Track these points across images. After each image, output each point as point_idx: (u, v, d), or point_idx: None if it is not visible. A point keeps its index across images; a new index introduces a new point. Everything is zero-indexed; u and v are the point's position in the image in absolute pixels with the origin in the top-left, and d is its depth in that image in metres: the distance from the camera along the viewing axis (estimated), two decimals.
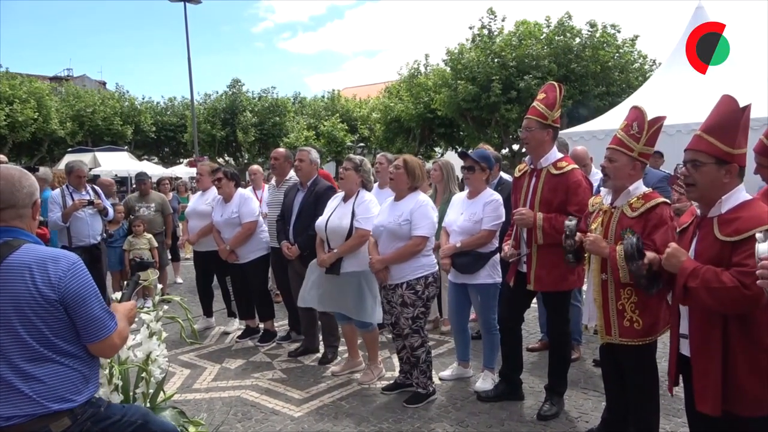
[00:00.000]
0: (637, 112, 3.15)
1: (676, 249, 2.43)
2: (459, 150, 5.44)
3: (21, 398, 2.01)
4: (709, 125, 2.41)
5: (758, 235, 2.01)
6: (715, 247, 2.31)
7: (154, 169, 20.91)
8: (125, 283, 2.88)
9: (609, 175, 3.16)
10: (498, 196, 4.32)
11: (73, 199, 6.17)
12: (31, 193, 2.17)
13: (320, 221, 4.66)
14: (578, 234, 3.26)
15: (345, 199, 4.66)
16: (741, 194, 2.36)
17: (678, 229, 2.65)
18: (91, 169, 17.90)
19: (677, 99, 9.91)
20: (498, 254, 4.27)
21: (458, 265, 4.22)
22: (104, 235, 6.57)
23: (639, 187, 3.13)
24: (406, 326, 4.16)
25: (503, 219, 4.27)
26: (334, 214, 4.60)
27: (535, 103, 3.85)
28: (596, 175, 4.95)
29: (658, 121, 3.12)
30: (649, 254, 2.71)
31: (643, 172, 3.19)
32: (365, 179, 4.65)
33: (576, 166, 3.84)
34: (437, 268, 4.22)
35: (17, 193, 2.12)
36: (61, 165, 19.72)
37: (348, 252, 4.46)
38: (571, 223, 3.26)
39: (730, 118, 2.38)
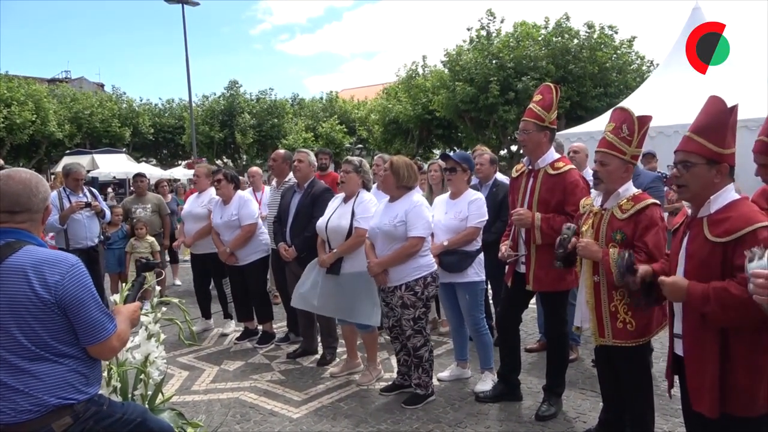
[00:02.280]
0: (624, 114, 3.13)
1: (674, 280, 2.39)
2: (441, 152, 5.50)
3: (17, 395, 2.02)
4: (698, 126, 2.42)
5: (747, 253, 2.02)
6: (705, 248, 2.31)
7: (152, 171, 20.90)
8: (124, 285, 2.88)
9: (602, 179, 3.12)
10: (480, 195, 4.45)
11: (70, 202, 6.17)
12: (45, 198, 2.23)
13: (321, 222, 4.67)
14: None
15: (345, 200, 4.67)
16: (729, 194, 2.35)
17: (671, 230, 2.66)
18: (89, 171, 17.94)
19: (675, 100, 9.93)
20: (482, 252, 4.35)
21: (446, 264, 4.26)
22: (102, 237, 6.57)
23: (629, 189, 3.12)
24: (408, 327, 4.16)
25: (486, 217, 4.36)
26: (335, 215, 4.61)
27: (531, 105, 3.86)
28: (590, 174, 4.94)
29: (647, 121, 3.11)
30: (642, 268, 2.69)
31: (632, 173, 3.19)
32: (365, 180, 4.69)
33: (573, 166, 3.85)
34: (435, 267, 4.24)
35: (33, 198, 2.17)
36: (59, 167, 19.73)
37: (348, 252, 4.47)
38: (568, 231, 3.22)
39: (718, 119, 2.38)
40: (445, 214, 4.39)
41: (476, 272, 4.34)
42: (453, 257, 4.26)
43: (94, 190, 6.73)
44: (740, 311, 2.15)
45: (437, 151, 27.01)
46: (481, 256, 4.38)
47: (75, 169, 6.45)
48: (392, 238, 4.12)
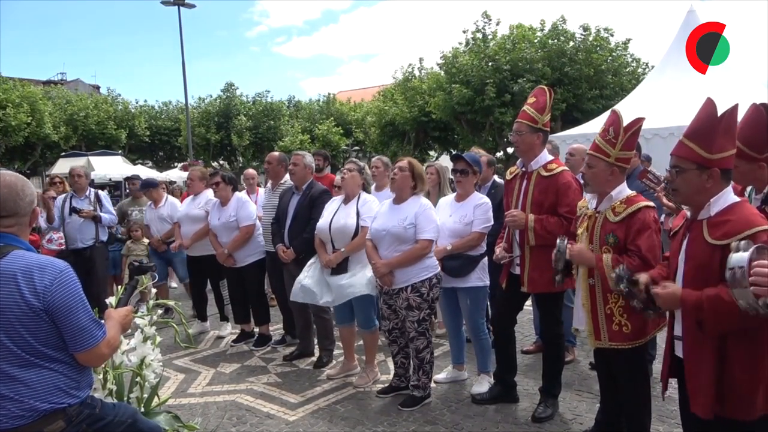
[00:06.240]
0: (613, 117, 3.15)
1: (667, 292, 2.37)
2: (453, 152, 5.48)
3: (7, 402, 2.01)
4: (689, 131, 2.42)
5: (733, 245, 2.02)
6: (705, 251, 2.31)
7: (148, 173, 20.82)
8: (119, 288, 2.88)
9: (587, 181, 3.14)
10: (487, 199, 4.38)
11: (71, 204, 6.40)
12: (31, 201, 2.21)
13: (323, 223, 4.66)
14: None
15: (346, 201, 4.68)
16: (729, 196, 2.35)
17: (671, 232, 2.66)
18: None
19: (670, 102, 9.98)
20: (486, 257, 4.31)
21: (449, 268, 4.23)
22: (100, 239, 6.55)
23: (622, 192, 3.12)
24: (413, 330, 4.14)
25: (492, 222, 4.32)
26: (338, 215, 4.61)
27: (525, 107, 3.88)
28: None
29: (635, 124, 3.10)
30: (642, 277, 2.60)
31: (623, 176, 3.16)
32: (366, 182, 4.72)
33: (566, 168, 3.87)
34: (439, 269, 4.23)
35: (20, 201, 2.15)
36: (55, 169, 19.64)
37: (356, 250, 4.50)
38: (562, 244, 3.19)
39: (708, 123, 2.38)
40: (450, 216, 4.34)
41: (479, 277, 4.29)
42: (456, 262, 4.22)
43: (101, 193, 6.84)
44: (732, 317, 2.12)
45: (433, 153, 27.02)
46: (485, 260, 4.32)
47: (69, 172, 6.76)
48: (401, 240, 4.10)
